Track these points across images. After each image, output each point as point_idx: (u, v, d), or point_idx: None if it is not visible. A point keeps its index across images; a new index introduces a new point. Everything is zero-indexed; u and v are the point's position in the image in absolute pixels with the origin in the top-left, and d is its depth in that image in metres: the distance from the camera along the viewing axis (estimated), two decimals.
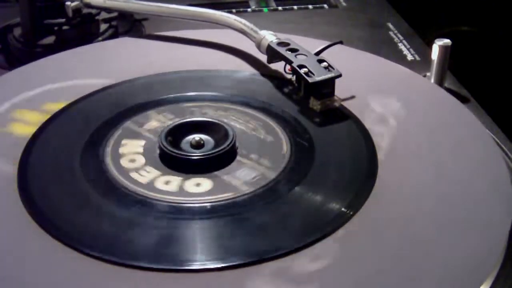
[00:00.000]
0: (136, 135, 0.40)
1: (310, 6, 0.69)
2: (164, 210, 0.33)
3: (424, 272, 0.30)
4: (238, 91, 0.45)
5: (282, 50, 0.44)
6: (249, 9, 0.69)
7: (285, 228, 0.32)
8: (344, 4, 0.70)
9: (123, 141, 0.39)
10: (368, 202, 0.34)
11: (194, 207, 0.34)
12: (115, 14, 0.58)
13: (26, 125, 0.40)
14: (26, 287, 0.29)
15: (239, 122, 0.41)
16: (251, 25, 0.48)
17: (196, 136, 0.38)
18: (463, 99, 0.50)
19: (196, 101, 0.43)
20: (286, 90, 0.45)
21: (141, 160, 0.37)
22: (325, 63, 0.42)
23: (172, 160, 0.37)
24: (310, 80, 0.41)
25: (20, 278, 0.29)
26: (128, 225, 0.32)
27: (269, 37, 0.46)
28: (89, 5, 0.55)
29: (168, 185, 0.35)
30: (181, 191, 0.35)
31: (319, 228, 0.32)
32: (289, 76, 0.45)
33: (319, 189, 0.35)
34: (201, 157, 0.37)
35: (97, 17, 0.57)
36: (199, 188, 0.35)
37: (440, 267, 0.30)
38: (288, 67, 0.44)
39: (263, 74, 0.47)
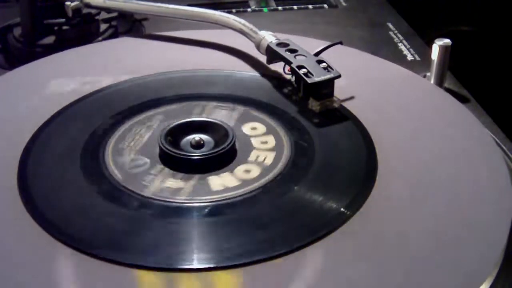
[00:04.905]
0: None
1: (310, 6, 0.69)
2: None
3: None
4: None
5: (281, 51, 0.44)
6: (249, 9, 0.69)
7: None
8: (344, 4, 0.70)
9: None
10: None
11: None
12: (115, 14, 0.58)
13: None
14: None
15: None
16: (251, 26, 0.48)
17: (196, 136, 0.38)
18: (463, 99, 0.50)
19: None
20: (285, 90, 0.45)
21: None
22: (324, 64, 0.42)
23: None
24: (309, 80, 0.41)
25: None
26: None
27: (268, 37, 0.46)
28: (89, 5, 0.55)
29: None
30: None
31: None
32: (288, 77, 0.45)
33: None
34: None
35: (97, 17, 0.57)
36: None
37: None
38: (287, 67, 0.44)
39: (262, 75, 0.47)
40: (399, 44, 0.60)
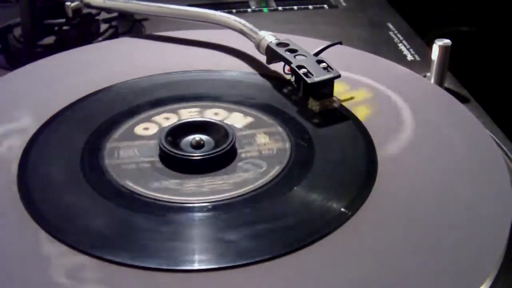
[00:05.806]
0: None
1: (310, 6, 0.69)
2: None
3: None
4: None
5: (281, 51, 0.44)
6: (249, 9, 0.69)
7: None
8: (344, 4, 0.70)
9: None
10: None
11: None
12: (115, 14, 0.58)
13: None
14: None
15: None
16: (251, 26, 0.48)
17: (196, 137, 0.38)
18: (463, 99, 0.50)
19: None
20: (285, 90, 0.45)
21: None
22: (324, 64, 0.42)
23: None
24: (309, 80, 0.41)
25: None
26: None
27: (268, 37, 0.46)
28: (89, 5, 0.55)
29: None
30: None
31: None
32: (288, 77, 0.45)
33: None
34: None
35: (97, 17, 0.57)
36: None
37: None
38: (287, 67, 0.44)
39: (262, 75, 0.47)
40: (399, 44, 0.60)
